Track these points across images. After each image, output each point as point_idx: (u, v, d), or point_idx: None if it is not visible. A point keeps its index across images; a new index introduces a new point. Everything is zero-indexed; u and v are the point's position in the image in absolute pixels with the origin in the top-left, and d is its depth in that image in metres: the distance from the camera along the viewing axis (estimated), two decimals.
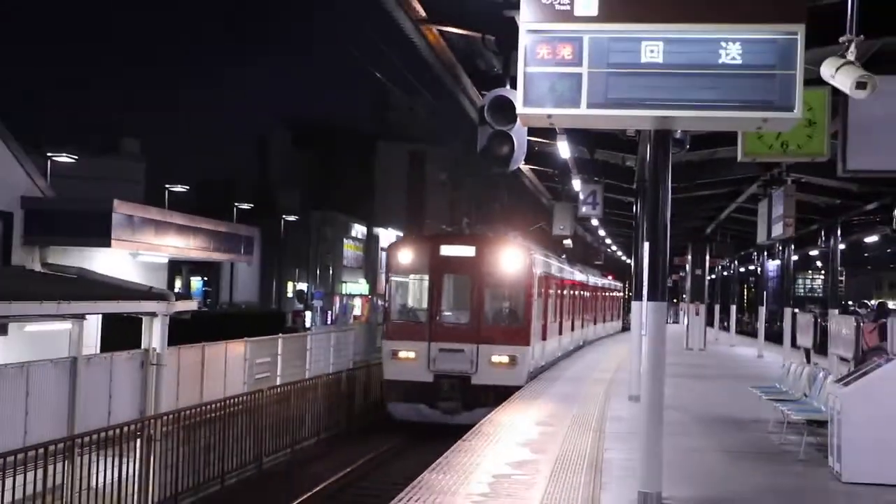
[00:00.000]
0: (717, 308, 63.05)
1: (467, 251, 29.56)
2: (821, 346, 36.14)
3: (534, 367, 30.32)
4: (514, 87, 11.63)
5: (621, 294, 75.47)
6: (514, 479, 13.44)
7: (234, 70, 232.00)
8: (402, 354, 28.83)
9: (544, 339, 33.32)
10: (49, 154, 34.92)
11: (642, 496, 11.93)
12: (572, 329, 43.60)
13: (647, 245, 13.47)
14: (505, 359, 28.36)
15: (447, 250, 29.69)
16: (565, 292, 40.71)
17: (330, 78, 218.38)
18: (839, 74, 10.66)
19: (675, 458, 13.73)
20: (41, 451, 14.90)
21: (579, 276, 47.65)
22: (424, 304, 29.92)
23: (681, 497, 12.31)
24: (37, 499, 14.32)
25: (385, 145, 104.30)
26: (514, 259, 29.58)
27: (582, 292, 48.39)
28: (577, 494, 12.51)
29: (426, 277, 29.83)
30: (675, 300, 75.14)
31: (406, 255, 30.07)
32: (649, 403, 12.26)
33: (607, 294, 65.29)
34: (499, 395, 25.15)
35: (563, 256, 45.01)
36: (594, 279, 56.21)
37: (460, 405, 27.79)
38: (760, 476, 14.46)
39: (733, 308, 65.50)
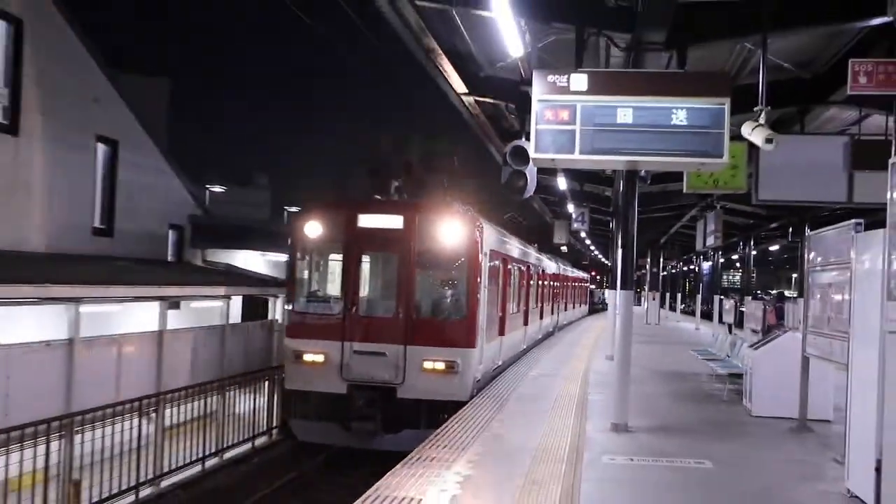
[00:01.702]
0: (667, 295, 62.77)
1: (393, 222, 16.31)
2: (738, 322, 36.00)
3: (484, 371, 17.03)
4: (527, 139, 11.66)
5: (587, 283, 63.91)
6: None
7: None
8: (307, 357, 15.90)
9: (502, 333, 19.48)
10: (207, 186, 35.35)
11: (614, 425, 11.97)
12: (541, 317, 29.44)
13: (620, 251, 13.43)
14: (441, 365, 15.57)
15: (367, 221, 16.39)
16: (529, 277, 25.57)
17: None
18: (754, 133, 10.65)
19: (637, 400, 13.70)
20: (202, 387, 15.06)
21: (547, 262, 32.27)
22: (337, 292, 16.53)
23: (641, 426, 12.29)
24: (198, 420, 14.47)
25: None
26: (455, 232, 16.12)
27: (549, 280, 32.87)
28: (569, 423, 12.51)
29: (339, 256, 16.79)
30: (638, 290, 74.81)
31: (314, 228, 16.53)
32: (620, 361, 12.28)
33: (576, 283, 50.07)
34: (433, 412, 15.04)
35: (536, 246, 31.14)
36: (563, 266, 40.23)
37: (379, 426, 15.48)
38: (697, 412, 14.42)
39: (679, 295, 65.12)
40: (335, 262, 16.96)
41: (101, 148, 19.47)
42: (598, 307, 67.63)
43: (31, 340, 12.34)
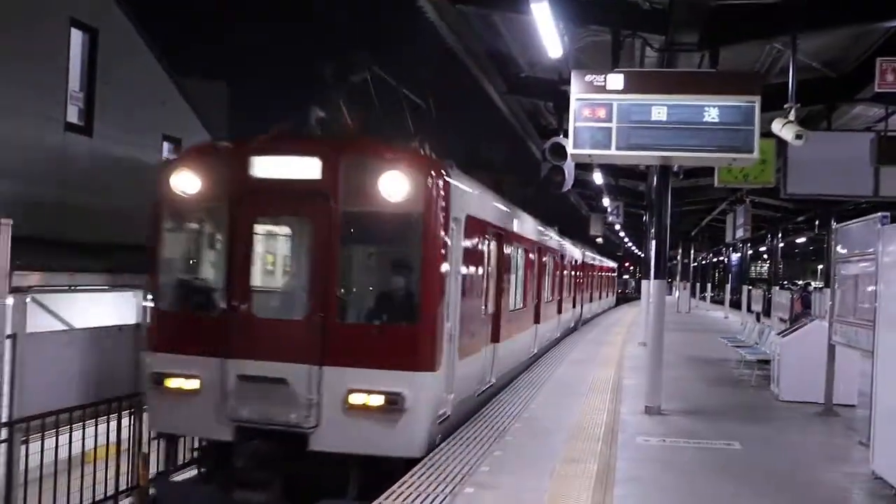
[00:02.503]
0: (698, 285, 62.27)
1: (305, 168, 8.51)
2: (766, 311, 35.54)
3: (459, 400, 9.63)
4: (566, 136, 11.60)
5: (614, 273, 54.04)
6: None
7: None
8: (172, 383, 8.61)
9: (496, 338, 12.06)
10: None
11: (647, 408, 11.88)
12: (559, 311, 21.72)
13: (653, 242, 13.33)
14: (378, 398, 8.06)
15: (265, 167, 8.67)
16: (541, 262, 17.63)
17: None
18: (783, 129, 10.53)
19: (669, 384, 13.57)
20: None
21: (564, 242, 23.21)
22: (218, 280, 8.97)
23: (673, 409, 12.18)
24: None
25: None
26: (402, 185, 8.30)
27: (569, 267, 24.30)
28: (604, 406, 12.44)
29: (223, 225, 9.00)
30: (670, 280, 74.23)
31: (186, 181, 8.83)
32: (653, 347, 12.16)
33: (603, 272, 40.78)
34: (366, 474, 8.29)
35: (557, 228, 22.22)
36: (584, 250, 30.55)
37: (277, 495, 8.22)
38: (726, 396, 14.26)
39: (709, 285, 64.50)
40: (218, 233, 9.41)
41: (166, 146, 19.73)
42: (629, 295, 67.01)
43: (106, 324, 12.56)
